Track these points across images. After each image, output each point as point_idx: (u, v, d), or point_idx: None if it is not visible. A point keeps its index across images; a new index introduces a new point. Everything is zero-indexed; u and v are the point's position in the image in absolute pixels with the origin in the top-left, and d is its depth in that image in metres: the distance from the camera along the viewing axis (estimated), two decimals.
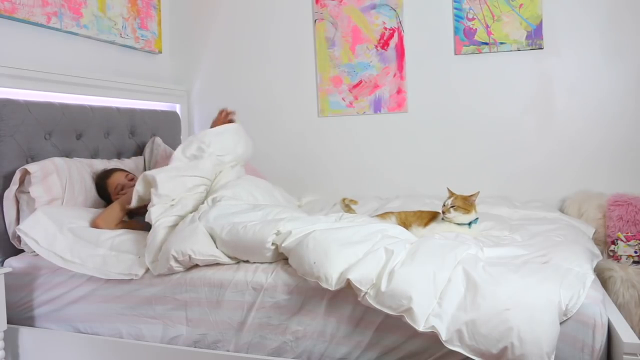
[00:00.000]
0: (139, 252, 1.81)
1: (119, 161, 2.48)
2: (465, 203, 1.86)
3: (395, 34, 2.88)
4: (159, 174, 1.93)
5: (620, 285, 1.90)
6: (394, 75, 2.89)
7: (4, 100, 2.00)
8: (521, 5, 2.66)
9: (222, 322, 1.65)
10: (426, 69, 2.85)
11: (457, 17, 2.76)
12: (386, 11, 2.88)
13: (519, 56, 2.70)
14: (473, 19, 2.74)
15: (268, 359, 1.58)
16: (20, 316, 1.91)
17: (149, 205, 1.89)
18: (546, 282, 1.36)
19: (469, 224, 1.87)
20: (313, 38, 3.01)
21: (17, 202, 2.00)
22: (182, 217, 1.89)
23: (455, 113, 2.81)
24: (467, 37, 2.75)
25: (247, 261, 1.72)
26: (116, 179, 2.22)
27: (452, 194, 1.90)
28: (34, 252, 1.86)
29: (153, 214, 1.85)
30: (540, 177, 2.70)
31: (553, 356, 1.23)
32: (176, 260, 1.69)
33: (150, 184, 1.93)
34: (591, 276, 1.44)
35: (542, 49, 2.66)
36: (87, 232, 1.92)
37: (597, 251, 1.82)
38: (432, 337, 1.34)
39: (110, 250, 1.84)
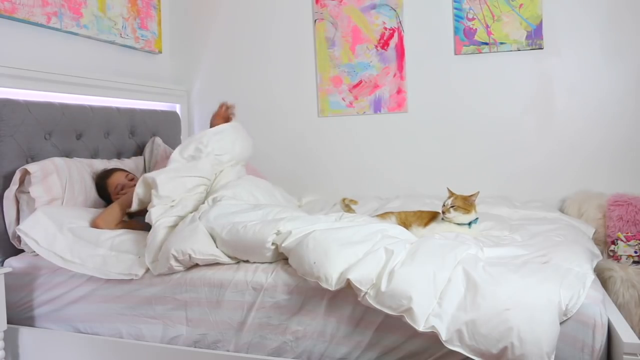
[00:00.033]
0: (139, 252, 1.81)
1: (119, 161, 2.48)
2: (465, 203, 1.86)
3: (395, 34, 2.88)
4: (159, 176, 1.93)
5: (620, 285, 1.90)
6: (394, 75, 2.89)
7: (4, 100, 2.00)
8: (521, 5, 2.66)
9: (222, 322, 1.65)
10: (426, 69, 2.85)
11: (457, 17, 2.76)
12: (386, 11, 2.88)
13: (519, 56, 2.70)
14: (473, 19, 2.74)
15: (268, 359, 1.58)
16: (20, 316, 1.91)
17: (149, 206, 1.89)
18: (546, 282, 1.36)
19: (469, 224, 1.87)
20: (313, 38, 3.01)
21: (17, 202, 2.00)
22: (182, 218, 1.89)
23: (455, 113, 2.81)
24: (467, 37, 2.75)
25: (247, 261, 1.73)
26: (116, 179, 2.22)
27: (452, 194, 1.91)
28: (34, 252, 1.86)
29: (153, 215, 1.85)
30: (540, 177, 2.70)
31: (553, 356, 1.23)
32: (176, 260, 1.69)
33: (150, 186, 1.93)
34: (591, 276, 1.44)
35: (542, 49, 2.66)
36: (87, 232, 1.92)
37: (597, 251, 1.82)
38: (432, 337, 1.34)
39: (110, 250, 1.84)
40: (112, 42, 2.70)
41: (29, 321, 1.91)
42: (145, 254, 1.77)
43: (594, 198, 2.46)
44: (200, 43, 3.22)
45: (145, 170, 2.61)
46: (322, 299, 1.54)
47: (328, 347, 1.53)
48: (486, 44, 2.73)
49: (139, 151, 2.69)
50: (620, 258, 2.21)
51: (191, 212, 1.92)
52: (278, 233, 1.66)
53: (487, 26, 2.72)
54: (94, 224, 1.99)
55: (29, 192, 1.96)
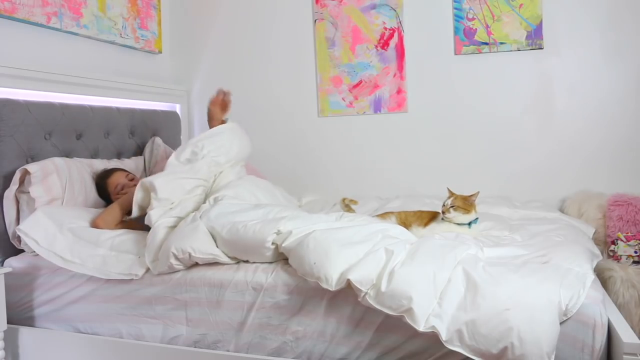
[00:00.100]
0: (139, 252, 1.81)
1: (119, 161, 2.48)
2: (465, 203, 1.86)
3: (395, 34, 2.88)
4: (157, 180, 1.93)
5: (620, 285, 1.90)
6: (394, 75, 2.89)
7: (4, 100, 2.00)
8: (521, 5, 2.66)
9: (222, 322, 1.65)
10: (426, 69, 2.85)
11: (457, 17, 2.76)
12: (386, 11, 2.88)
13: (519, 56, 2.70)
14: (473, 19, 2.74)
15: (268, 359, 1.58)
16: (20, 316, 1.91)
17: (148, 209, 1.89)
18: (546, 282, 1.36)
19: (469, 224, 1.87)
20: (313, 38, 3.01)
21: (17, 202, 2.00)
22: (181, 219, 1.89)
23: (455, 113, 2.81)
24: (467, 37, 2.75)
25: (246, 261, 1.73)
26: (116, 179, 2.22)
27: (452, 194, 1.90)
28: (34, 252, 1.86)
29: (153, 216, 1.86)
30: (540, 177, 2.70)
31: (553, 356, 1.23)
32: (176, 258, 1.69)
33: (148, 190, 1.93)
34: (591, 276, 1.44)
35: (542, 49, 2.66)
36: (87, 232, 1.92)
37: (597, 251, 1.82)
38: (432, 337, 1.34)
39: (110, 250, 1.84)
40: (112, 42, 2.70)
41: (29, 321, 1.91)
42: (145, 253, 1.77)
43: (594, 198, 2.46)
44: (200, 43, 3.22)
45: (145, 171, 2.61)
46: (322, 299, 1.54)
47: (328, 347, 1.53)
48: (486, 44, 2.73)
49: (139, 151, 2.69)
50: (620, 258, 2.21)
51: (191, 213, 1.92)
52: (278, 233, 1.66)
53: (487, 26, 2.72)
54: (94, 224, 1.99)
55: (29, 192, 1.96)
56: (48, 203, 2.00)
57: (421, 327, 1.32)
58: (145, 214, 1.91)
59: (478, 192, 1.89)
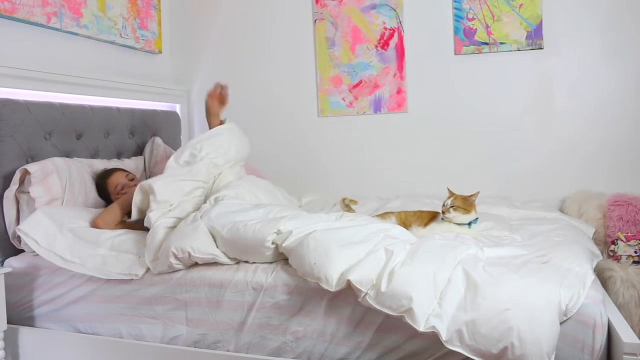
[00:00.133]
0: (139, 252, 1.81)
1: (119, 161, 2.48)
2: (465, 203, 1.86)
3: (395, 34, 2.88)
4: (156, 182, 1.94)
5: (620, 285, 1.90)
6: (394, 75, 2.89)
7: (4, 100, 2.00)
8: (521, 5, 2.66)
9: (222, 322, 1.65)
10: (426, 69, 2.85)
11: (457, 17, 2.76)
12: (386, 11, 2.88)
13: (519, 56, 2.70)
14: (473, 19, 2.74)
15: (268, 359, 1.58)
16: (20, 316, 1.91)
17: (147, 211, 1.89)
18: (546, 282, 1.36)
19: (469, 224, 1.86)
20: (313, 38, 3.01)
21: (17, 202, 2.00)
22: (181, 219, 1.89)
23: (455, 113, 2.81)
24: (467, 37, 2.75)
25: (246, 261, 1.73)
26: (116, 179, 2.22)
27: (451, 194, 1.90)
28: (34, 252, 1.86)
29: (152, 218, 1.86)
30: (540, 177, 2.70)
31: (553, 356, 1.23)
32: (176, 257, 1.69)
33: (147, 193, 1.93)
34: (591, 276, 1.44)
35: (542, 49, 2.66)
36: (87, 232, 1.92)
37: (597, 251, 1.82)
38: (432, 337, 1.34)
39: (110, 250, 1.84)
40: (112, 42, 2.70)
41: (29, 321, 1.91)
42: (145, 253, 1.78)
43: (594, 198, 2.46)
44: (200, 43, 3.22)
45: (145, 171, 2.61)
46: (322, 299, 1.54)
47: (328, 347, 1.53)
48: (486, 44, 2.73)
49: (139, 151, 2.69)
50: (620, 258, 2.21)
51: (191, 213, 1.92)
52: (278, 232, 1.66)
53: (487, 26, 2.72)
54: (94, 224, 1.99)
55: (29, 192, 1.96)
56: (48, 203, 2.00)
57: (421, 327, 1.32)
58: (144, 217, 1.91)
59: (478, 192, 1.89)
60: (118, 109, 2.57)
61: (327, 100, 3.00)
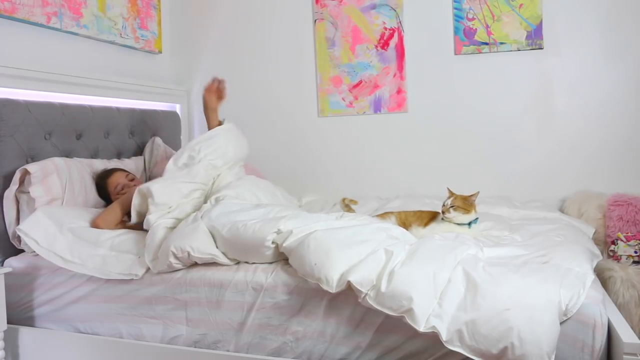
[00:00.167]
0: (139, 252, 1.81)
1: (119, 161, 2.48)
2: (465, 203, 1.86)
3: (395, 34, 2.88)
4: (154, 185, 1.94)
5: (620, 285, 1.90)
6: (394, 75, 2.89)
7: (4, 100, 2.00)
8: (521, 5, 2.66)
9: (222, 323, 1.65)
10: (426, 69, 2.85)
11: (457, 17, 2.76)
12: (386, 11, 2.88)
13: (519, 56, 2.70)
14: (473, 19, 2.74)
15: (268, 359, 1.58)
16: (20, 316, 1.91)
17: (147, 214, 1.90)
18: (546, 282, 1.36)
19: (469, 224, 1.86)
20: (313, 38, 3.01)
21: (17, 202, 2.00)
22: (180, 220, 1.90)
23: (455, 113, 2.81)
24: (467, 37, 2.75)
25: (246, 262, 1.72)
26: (116, 179, 2.22)
27: (451, 193, 1.90)
28: (34, 252, 1.86)
29: (151, 220, 1.87)
30: (540, 177, 2.70)
31: (553, 356, 1.23)
32: (175, 257, 1.69)
33: (146, 196, 1.93)
34: (591, 276, 1.44)
35: (542, 49, 2.66)
36: (87, 232, 1.92)
37: (597, 251, 1.82)
38: (432, 338, 1.34)
39: (110, 250, 1.84)
40: (112, 42, 2.70)
41: (29, 321, 1.91)
42: (145, 252, 1.78)
43: (594, 198, 2.46)
44: (200, 43, 3.22)
45: (145, 171, 2.61)
46: (322, 299, 1.54)
47: (328, 347, 1.53)
48: (486, 44, 2.73)
49: (139, 151, 2.69)
50: (620, 258, 2.21)
51: (191, 214, 1.92)
52: (279, 232, 1.66)
53: (487, 26, 2.72)
54: (94, 224, 1.99)
55: (29, 192, 1.96)
56: (48, 203, 2.00)
57: (421, 328, 1.32)
58: (144, 220, 1.92)
59: (478, 192, 1.89)
60: (118, 109, 2.57)
61: (327, 100, 3.00)
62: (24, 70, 2.10)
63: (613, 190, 2.48)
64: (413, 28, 2.86)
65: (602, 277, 1.93)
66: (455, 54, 2.79)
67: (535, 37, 2.66)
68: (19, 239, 1.94)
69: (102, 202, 2.25)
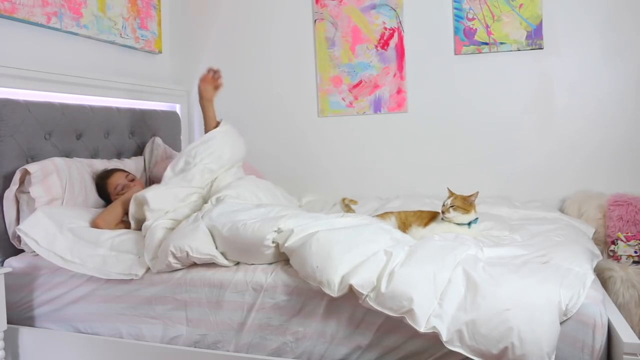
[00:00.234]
0: (139, 252, 1.81)
1: (119, 161, 2.48)
2: (465, 203, 1.86)
3: (395, 34, 2.88)
4: (148, 192, 1.96)
5: (620, 285, 1.90)
6: (394, 75, 2.89)
7: (4, 100, 2.00)
8: (521, 5, 2.66)
9: (222, 323, 1.65)
10: (426, 69, 2.85)
11: (457, 17, 2.76)
12: (386, 11, 2.88)
13: (519, 56, 2.70)
14: (473, 19, 2.74)
15: (268, 359, 1.58)
16: (20, 316, 1.91)
17: (145, 222, 1.90)
18: (546, 282, 1.36)
19: (469, 224, 1.86)
20: (313, 38, 3.01)
21: (17, 202, 2.00)
22: (179, 221, 1.90)
23: (456, 113, 2.81)
24: (467, 37, 2.75)
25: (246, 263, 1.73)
26: (116, 179, 2.22)
27: (451, 193, 1.90)
28: (34, 252, 1.86)
29: (148, 226, 1.87)
30: (540, 177, 2.70)
31: (553, 356, 1.23)
32: (174, 257, 1.69)
33: (142, 203, 1.94)
34: (591, 276, 1.44)
35: (542, 49, 2.66)
36: (87, 232, 1.92)
37: (597, 251, 1.82)
38: (433, 338, 1.34)
39: (110, 250, 1.84)
40: (112, 42, 2.70)
41: (29, 321, 1.91)
42: (145, 252, 1.78)
43: (594, 198, 2.46)
44: (200, 43, 3.22)
45: (145, 171, 2.62)
46: (322, 300, 1.53)
47: (328, 347, 1.53)
48: (486, 44, 2.73)
49: (139, 151, 2.69)
50: (620, 258, 2.21)
51: (188, 216, 1.93)
52: (279, 231, 1.66)
53: (487, 26, 2.72)
54: (94, 224, 2.00)
55: (29, 192, 1.96)
56: (48, 203, 2.00)
57: (422, 328, 1.32)
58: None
59: (477, 192, 1.88)
60: (118, 109, 2.57)
61: (327, 100, 3.00)
62: (24, 70, 2.10)
63: (613, 190, 2.48)
64: (413, 28, 2.86)
65: (602, 277, 1.93)
66: (455, 54, 2.79)
67: (535, 37, 2.66)
68: (19, 239, 1.94)
69: (102, 202, 2.25)
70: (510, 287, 1.35)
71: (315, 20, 3.00)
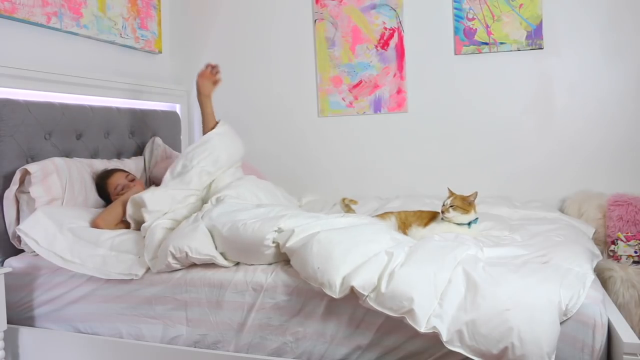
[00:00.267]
0: (139, 252, 1.81)
1: (119, 161, 2.48)
2: (464, 203, 1.86)
3: (395, 34, 2.88)
4: (146, 194, 1.96)
5: (620, 285, 1.90)
6: (394, 75, 2.89)
7: (4, 100, 2.00)
8: (521, 5, 2.66)
9: (222, 323, 1.65)
10: (426, 69, 2.85)
11: (457, 17, 2.76)
12: (386, 11, 2.88)
13: (519, 56, 2.70)
14: (473, 19, 2.74)
15: (268, 359, 1.58)
16: (20, 316, 1.91)
17: (143, 223, 1.91)
18: (546, 282, 1.36)
19: (469, 224, 1.86)
20: (313, 38, 3.01)
21: (17, 202, 2.00)
22: (178, 222, 1.90)
23: (456, 113, 2.81)
24: (467, 37, 2.75)
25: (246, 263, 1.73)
26: (116, 179, 2.22)
27: (452, 193, 1.90)
28: (34, 252, 1.86)
29: (147, 227, 1.87)
30: (540, 177, 2.70)
31: (553, 356, 1.23)
32: (174, 257, 1.69)
33: (140, 205, 1.94)
34: (591, 276, 1.44)
35: (542, 49, 2.66)
36: (87, 232, 1.92)
37: (597, 251, 1.82)
38: (433, 338, 1.34)
39: (110, 250, 1.84)
40: (112, 42, 2.70)
41: (29, 321, 1.91)
42: (145, 252, 1.78)
43: (594, 198, 2.46)
44: (200, 43, 3.22)
45: (145, 171, 2.62)
46: (322, 300, 1.53)
47: (328, 348, 1.53)
48: (486, 44, 2.73)
49: (139, 151, 2.69)
50: (620, 258, 2.21)
51: (187, 217, 1.93)
52: (279, 230, 1.66)
53: (487, 26, 2.72)
54: (94, 224, 2.00)
55: (29, 192, 1.96)
56: (48, 203, 2.00)
57: (422, 328, 1.32)
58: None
59: (476, 193, 1.88)
60: (118, 109, 2.57)
61: (327, 100, 3.00)
62: (24, 70, 2.10)
63: (613, 190, 2.48)
64: (413, 28, 2.86)
65: (602, 277, 1.93)
66: (455, 54, 2.79)
67: (535, 37, 2.66)
68: (19, 239, 1.94)
69: (102, 202, 2.25)
70: (510, 287, 1.35)
71: (315, 20, 3.00)
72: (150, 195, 1.96)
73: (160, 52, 3.06)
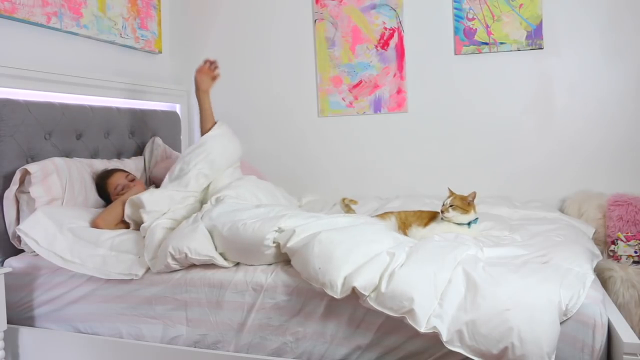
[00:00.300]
0: (139, 252, 1.81)
1: (119, 161, 2.48)
2: (464, 203, 1.86)
3: (395, 34, 2.88)
4: (144, 195, 1.97)
5: (620, 285, 1.91)
6: (394, 75, 2.89)
7: (4, 100, 2.00)
8: (521, 5, 2.66)
9: (223, 323, 1.65)
10: (426, 69, 2.85)
11: (457, 17, 2.76)
12: (386, 11, 2.88)
13: (519, 56, 2.70)
14: (473, 19, 2.74)
15: (268, 359, 1.58)
16: (20, 316, 1.91)
17: (142, 224, 1.91)
18: (546, 282, 1.36)
19: (469, 224, 1.86)
20: (313, 38, 3.01)
21: (17, 202, 2.00)
22: (178, 222, 1.91)
23: (455, 113, 2.81)
24: (467, 37, 2.75)
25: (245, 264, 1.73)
26: (116, 179, 2.22)
27: (452, 193, 1.90)
28: (34, 252, 1.86)
29: (146, 227, 1.87)
30: (540, 177, 2.70)
31: (553, 356, 1.23)
32: (173, 258, 1.69)
33: (138, 206, 1.95)
34: (591, 276, 1.44)
35: (542, 49, 2.66)
36: (87, 232, 1.92)
37: (597, 251, 1.82)
38: (433, 338, 1.34)
39: (110, 250, 1.84)
40: (112, 42, 2.70)
41: (29, 321, 1.91)
42: (145, 252, 1.78)
43: (594, 198, 2.47)
44: (200, 43, 3.22)
45: (145, 171, 2.62)
46: (322, 300, 1.54)
47: (328, 348, 1.53)
48: (486, 44, 2.73)
49: (139, 151, 2.69)
50: (620, 258, 2.21)
51: (186, 217, 1.93)
52: (279, 230, 1.66)
53: (487, 26, 2.72)
54: (94, 224, 2.00)
55: (29, 192, 1.96)
56: (48, 203, 2.00)
57: (422, 328, 1.32)
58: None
59: (474, 193, 1.88)
60: (118, 109, 2.57)
61: (327, 100, 3.00)
62: (24, 70, 2.10)
63: (613, 190, 2.48)
64: (413, 28, 2.86)
65: (602, 277, 1.93)
66: (455, 54, 2.79)
67: (535, 37, 2.66)
68: (19, 239, 1.94)
69: (102, 202, 2.25)
70: (510, 287, 1.35)
71: (315, 20, 3.00)
72: (148, 196, 1.96)
73: (160, 52, 3.06)
